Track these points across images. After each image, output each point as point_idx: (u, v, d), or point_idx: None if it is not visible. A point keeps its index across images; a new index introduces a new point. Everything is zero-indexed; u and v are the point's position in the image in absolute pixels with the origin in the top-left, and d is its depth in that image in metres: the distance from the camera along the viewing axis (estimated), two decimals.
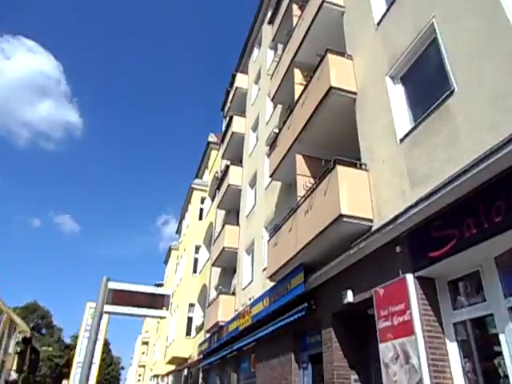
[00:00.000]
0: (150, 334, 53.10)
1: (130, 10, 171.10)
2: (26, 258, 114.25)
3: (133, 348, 72.92)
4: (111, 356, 62.41)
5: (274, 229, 9.54)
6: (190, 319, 22.95)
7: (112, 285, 6.39)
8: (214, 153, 28.43)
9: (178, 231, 35.13)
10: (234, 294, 14.27)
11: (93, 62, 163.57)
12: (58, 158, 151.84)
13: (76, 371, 9.35)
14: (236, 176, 16.60)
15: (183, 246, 27.19)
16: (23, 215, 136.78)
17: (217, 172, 20.76)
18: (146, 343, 56.32)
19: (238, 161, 17.59)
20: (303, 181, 8.68)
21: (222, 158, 19.92)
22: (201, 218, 26.35)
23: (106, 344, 61.82)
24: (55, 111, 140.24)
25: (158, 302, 6.57)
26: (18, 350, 7.28)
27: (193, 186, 27.06)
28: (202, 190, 27.08)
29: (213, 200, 24.75)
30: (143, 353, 58.05)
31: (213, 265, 17.09)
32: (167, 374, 27.08)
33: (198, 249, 25.08)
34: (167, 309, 6.87)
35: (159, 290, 6.72)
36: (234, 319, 12.71)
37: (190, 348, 21.78)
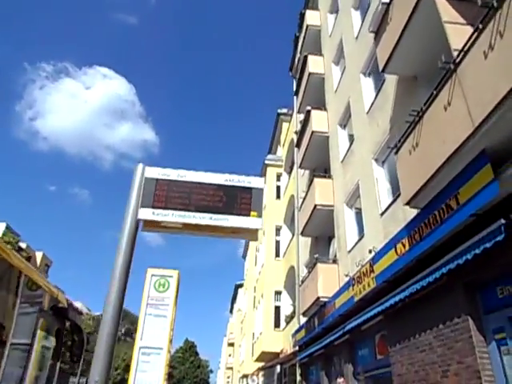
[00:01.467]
0: (234, 334, 51.57)
1: (186, 24, 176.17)
2: None
3: (220, 351, 72.51)
4: (199, 359, 61.82)
5: (404, 135, 6.11)
6: (277, 309, 19.93)
7: (153, 172, 3.42)
8: (285, 125, 25.41)
9: None
10: (334, 262, 10.93)
11: (160, 79, 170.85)
12: None
13: (139, 358, 6.61)
14: (320, 121, 13.29)
15: (261, 229, 24.34)
16: (113, 231, 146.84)
17: (296, 131, 17.56)
18: (231, 344, 54.77)
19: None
20: (454, 30, 5.18)
21: (298, 112, 16.68)
22: (278, 196, 23.36)
23: (193, 346, 61.46)
24: (133, 132, 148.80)
25: (239, 201, 3.50)
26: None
27: (266, 162, 24.17)
28: (277, 166, 24.10)
29: (290, 173, 21.66)
30: (230, 355, 56.64)
31: (301, 234, 13.87)
32: (256, 373, 24.27)
33: (278, 230, 22.08)
34: (260, 215, 3.78)
35: (242, 180, 3.66)
36: (342, 291, 9.35)
37: (280, 341, 18.73)
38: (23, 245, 58.63)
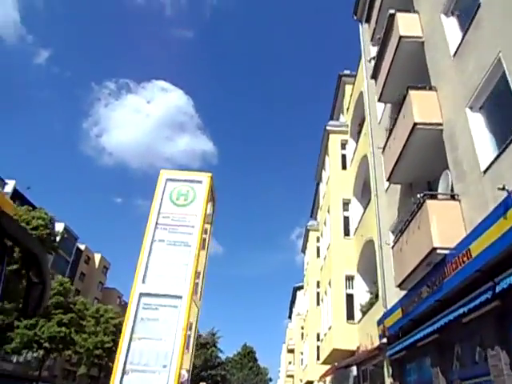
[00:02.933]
0: (294, 340, 47.91)
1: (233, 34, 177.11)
2: None
3: (279, 360, 68.74)
4: (258, 365, 58.52)
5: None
6: (349, 298, 16.19)
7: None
8: (348, 88, 21.72)
9: (316, 200, 28.79)
10: (453, 198, 7.19)
11: (216, 90, 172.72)
12: None
13: (137, 313, 3.41)
14: (410, 24, 9.68)
15: (325, 205, 20.75)
16: None
17: (370, 59, 13.89)
18: (291, 351, 51.06)
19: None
20: None
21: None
22: (344, 167, 19.69)
23: (252, 352, 58.46)
24: (192, 143, 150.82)
25: None
26: None
27: (328, 128, 20.61)
28: (341, 133, 20.45)
29: (358, 137, 17.95)
30: (290, 362, 52.91)
31: (388, 179, 10.21)
32: (323, 379, 20.46)
33: (346, 205, 18.38)
34: None
35: None
36: (485, 225, 5.63)
37: (355, 336, 14.98)
38: (82, 246, 59.60)
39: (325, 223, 20.52)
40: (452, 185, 7.49)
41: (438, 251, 6.71)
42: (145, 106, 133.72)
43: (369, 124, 14.89)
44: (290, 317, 61.84)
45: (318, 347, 26.23)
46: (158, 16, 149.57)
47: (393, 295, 10.66)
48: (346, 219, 18.06)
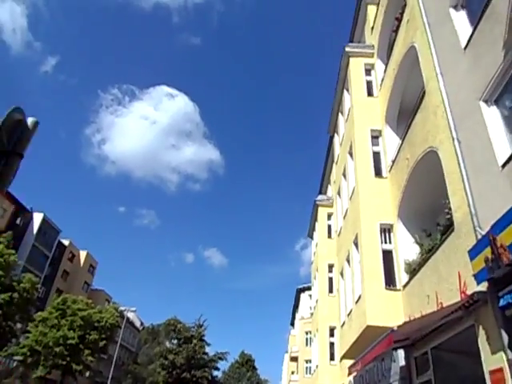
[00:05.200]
0: (298, 347, 42.62)
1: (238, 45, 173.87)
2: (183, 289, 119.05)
3: (280, 374, 62.93)
4: (257, 374, 52.72)
5: None
6: (386, 258, 11.20)
7: None
8: (371, 9, 17.10)
9: (326, 165, 23.70)
10: None
11: (223, 98, 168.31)
12: (203, 197, 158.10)
13: None
14: None
15: (346, 144, 15.79)
16: (178, 252, 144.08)
17: None
18: (294, 359, 45.62)
19: None
20: None
21: None
22: (370, 94, 14.82)
23: (250, 360, 52.79)
24: (199, 152, 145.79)
25: None
26: None
27: (348, 50, 15.76)
28: (365, 56, 15.64)
29: (389, 55, 13.17)
30: (292, 372, 47.39)
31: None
32: (353, 370, 15.15)
33: (376, 138, 13.50)
34: None
35: None
36: None
37: (398, 308, 10.03)
38: (66, 241, 54.44)
39: (346, 169, 15.55)
40: None
41: None
42: (151, 112, 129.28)
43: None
44: (292, 324, 56.39)
45: (332, 344, 21.16)
46: (164, 23, 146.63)
47: (493, 200, 5.80)
48: (377, 156, 13.19)
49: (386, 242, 11.43)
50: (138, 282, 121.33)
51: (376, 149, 13.28)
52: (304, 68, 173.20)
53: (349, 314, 12.88)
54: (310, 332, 33.09)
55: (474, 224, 6.36)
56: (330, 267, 22.33)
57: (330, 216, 24.11)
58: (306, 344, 37.50)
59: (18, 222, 42.40)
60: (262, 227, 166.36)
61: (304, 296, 47.72)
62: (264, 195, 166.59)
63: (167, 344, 28.12)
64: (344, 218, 15.10)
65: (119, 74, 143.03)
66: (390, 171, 12.17)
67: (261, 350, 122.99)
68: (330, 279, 22.28)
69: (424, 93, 9.56)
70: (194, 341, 28.59)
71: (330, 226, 23.77)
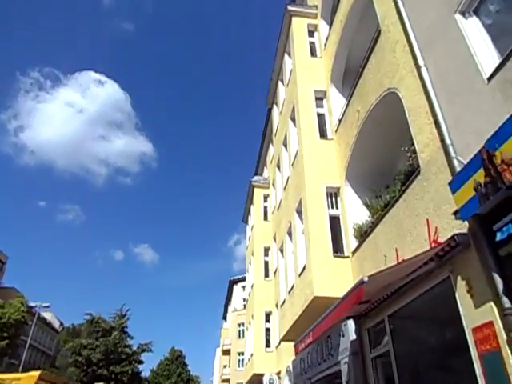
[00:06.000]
0: (230, 340, 41.40)
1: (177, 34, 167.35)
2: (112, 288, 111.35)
3: (212, 368, 61.17)
4: (188, 371, 50.51)
5: None
6: (334, 221, 10.09)
7: None
8: None
9: (263, 143, 22.38)
10: None
11: (156, 88, 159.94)
12: (135, 191, 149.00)
13: None
14: None
15: (288, 106, 14.57)
16: (106, 249, 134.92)
17: None
18: (227, 352, 44.31)
19: None
20: None
21: None
22: (313, 54, 13.73)
23: (180, 356, 50.39)
24: (130, 144, 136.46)
25: None
26: None
27: (290, 8, 14.50)
28: (308, 16, 14.49)
29: (334, 16, 12.11)
30: (225, 366, 46.07)
31: None
32: (300, 347, 14.01)
33: (320, 100, 12.41)
34: None
35: None
36: None
37: (347, 277, 8.96)
38: None
39: (285, 140, 14.33)
40: None
41: None
42: (78, 99, 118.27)
43: None
44: (225, 318, 54.99)
45: (268, 330, 20.10)
46: (93, 4, 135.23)
47: (477, 121, 4.76)
48: (321, 118, 12.10)
49: (332, 207, 10.33)
50: (61, 281, 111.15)
51: (321, 111, 12.20)
52: (239, 53, 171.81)
53: (290, 291, 11.64)
54: (243, 324, 32.08)
55: (451, 155, 5.29)
56: (266, 250, 21.33)
57: (266, 198, 23.06)
58: (239, 336, 36.46)
59: None
60: (195, 222, 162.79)
61: (237, 288, 46.53)
62: (198, 189, 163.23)
63: (82, 340, 24.97)
64: (284, 188, 13.86)
65: (40, 55, 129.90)
66: (336, 131, 11.12)
67: (193, 347, 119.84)
68: (266, 263, 21.34)
69: (379, 33, 8.51)
70: (115, 333, 25.69)
71: (266, 208, 22.73)
